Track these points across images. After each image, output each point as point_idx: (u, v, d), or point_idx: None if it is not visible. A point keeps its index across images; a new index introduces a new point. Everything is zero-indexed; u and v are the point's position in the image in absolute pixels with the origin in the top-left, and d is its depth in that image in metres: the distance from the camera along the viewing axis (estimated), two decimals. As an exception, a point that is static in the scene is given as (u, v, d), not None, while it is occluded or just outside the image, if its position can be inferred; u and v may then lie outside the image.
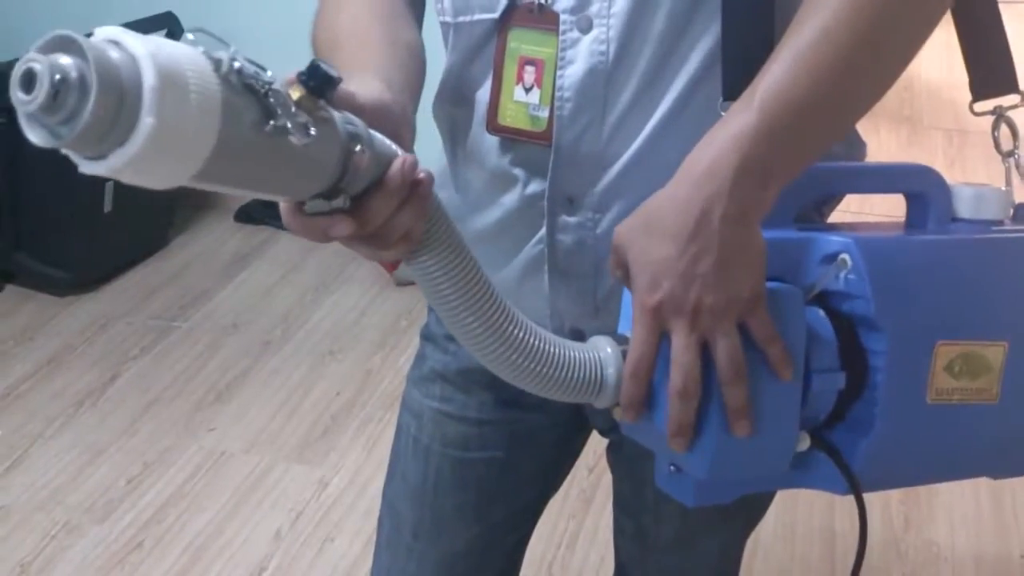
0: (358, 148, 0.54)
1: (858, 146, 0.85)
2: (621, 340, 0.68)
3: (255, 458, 2.05)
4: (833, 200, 0.85)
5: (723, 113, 0.72)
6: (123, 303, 2.58)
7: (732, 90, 0.72)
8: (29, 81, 0.41)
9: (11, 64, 2.50)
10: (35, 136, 0.43)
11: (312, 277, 2.71)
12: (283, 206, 0.56)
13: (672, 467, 0.70)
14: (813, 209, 0.82)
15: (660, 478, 0.73)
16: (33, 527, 1.86)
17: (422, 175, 0.58)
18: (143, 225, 2.71)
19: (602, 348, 0.68)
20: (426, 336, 1.02)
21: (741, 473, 0.69)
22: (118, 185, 2.48)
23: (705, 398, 0.64)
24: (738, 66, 0.72)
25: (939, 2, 0.67)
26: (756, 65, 0.67)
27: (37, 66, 0.41)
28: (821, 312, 0.68)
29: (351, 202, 0.55)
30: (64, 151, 0.44)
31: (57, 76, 0.41)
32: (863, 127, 0.83)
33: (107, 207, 2.49)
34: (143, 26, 2.50)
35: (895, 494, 1.93)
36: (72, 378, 2.29)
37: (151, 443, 2.08)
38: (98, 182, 2.46)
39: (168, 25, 2.56)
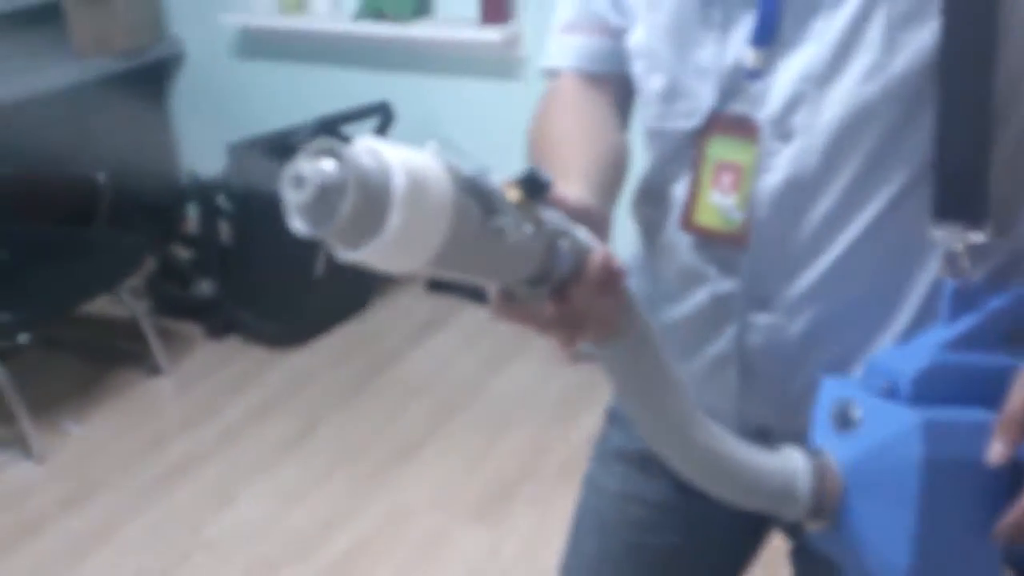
0: (562, 242, 0.59)
1: None
2: (815, 453, 0.69)
3: (435, 516, 2.17)
4: None
5: (934, 231, 0.72)
6: (325, 359, 2.80)
7: (943, 208, 0.71)
8: (299, 182, 0.48)
9: (257, 139, 2.78)
10: (299, 226, 0.49)
11: (493, 347, 2.83)
12: (491, 290, 0.62)
13: None
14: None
15: None
16: (236, 561, 2.05)
17: (619, 266, 0.61)
18: (346, 290, 2.94)
19: (795, 459, 0.69)
20: (610, 415, 1.04)
21: None
22: (329, 253, 2.70)
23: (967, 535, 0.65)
24: (952, 184, 0.70)
25: None
26: (971, 183, 0.66)
27: (305, 170, 0.48)
28: None
29: (553, 290, 0.60)
30: (322, 240, 0.51)
31: (321, 180, 0.48)
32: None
33: (318, 272, 2.74)
34: (362, 113, 2.75)
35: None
36: (276, 426, 2.50)
37: (343, 493, 2.25)
38: (312, 251, 2.71)
39: (382, 112, 2.80)
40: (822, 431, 0.71)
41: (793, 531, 0.96)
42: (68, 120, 2.87)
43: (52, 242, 2.66)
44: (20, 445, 2.38)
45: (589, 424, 2.42)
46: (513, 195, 0.56)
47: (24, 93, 2.80)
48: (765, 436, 0.86)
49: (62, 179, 2.65)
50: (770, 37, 0.76)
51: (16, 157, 2.58)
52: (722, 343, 0.86)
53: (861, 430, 0.69)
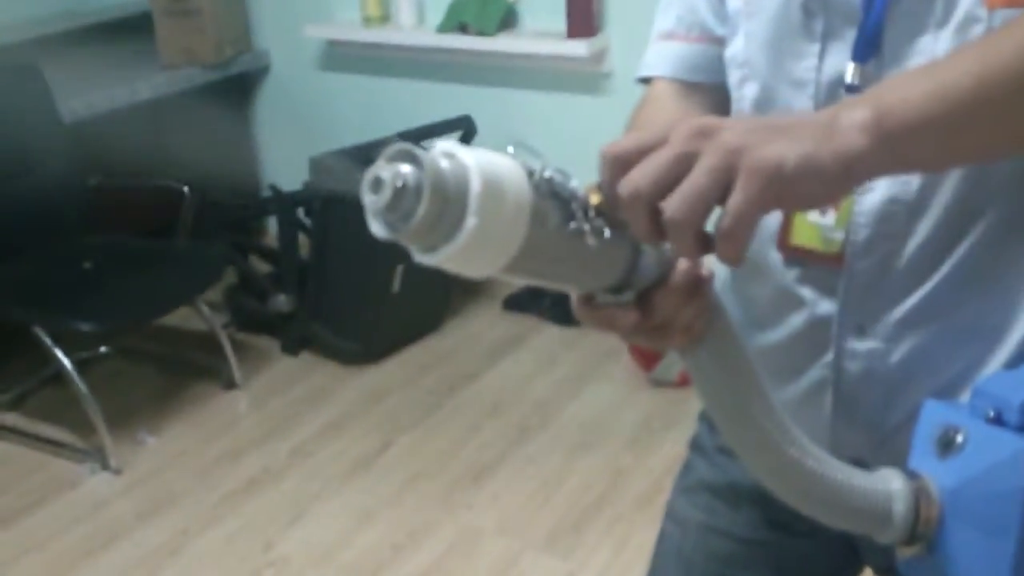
0: (646, 248, 0.58)
1: None
2: (912, 476, 0.66)
3: (506, 541, 2.12)
4: None
5: None
6: (399, 377, 2.78)
7: None
8: (377, 185, 0.49)
9: (340, 153, 2.78)
10: (377, 229, 0.50)
11: (570, 369, 2.78)
12: (574, 296, 0.61)
13: None
14: None
15: None
16: (306, 579, 2.03)
17: (704, 272, 0.61)
18: (422, 307, 2.93)
19: (891, 481, 0.66)
20: (695, 446, 1.03)
21: None
22: (405, 269, 2.72)
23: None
24: None
25: None
26: None
27: (383, 174, 0.49)
28: None
29: (637, 296, 0.60)
30: (401, 243, 0.51)
31: (399, 183, 0.48)
32: None
33: (394, 288, 2.72)
34: (444, 127, 2.73)
35: None
36: (349, 443, 2.49)
37: (414, 514, 2.21)
38: (389, 266, 2.70)
39: (465, 126, 2.79)
40: (921, 455, 0.68)
41: (883, 567, 0.93)
42: (154, 131, 2.92)
43: (135, 252, 2.70)
44: (98, 456, 2.41)
45: (668, 451, 2.37)
46: (594, 199, 0.55)
47: (112, 104, 2.86)
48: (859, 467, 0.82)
49: (147, 190, 2.68)
50: (872, 52, 0.74)
51: (103, 168, 2.63)
52: (818, 370, 0.83)
53: (964, 456, 0.66)
